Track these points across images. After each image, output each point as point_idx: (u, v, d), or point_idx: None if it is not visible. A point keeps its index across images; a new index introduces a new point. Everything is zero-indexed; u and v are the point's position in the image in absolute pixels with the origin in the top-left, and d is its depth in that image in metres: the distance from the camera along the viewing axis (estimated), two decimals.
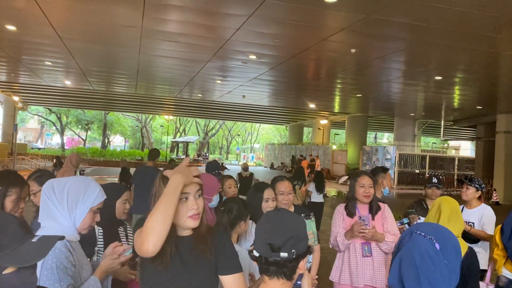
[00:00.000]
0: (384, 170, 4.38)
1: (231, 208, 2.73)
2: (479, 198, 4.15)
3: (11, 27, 10.17)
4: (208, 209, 2.99)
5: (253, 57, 11.79)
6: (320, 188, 8.09)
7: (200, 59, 12.61)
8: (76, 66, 15.13)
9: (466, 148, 36.92)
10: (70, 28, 10.10)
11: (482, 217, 4.00)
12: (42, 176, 2.94)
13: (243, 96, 20.41)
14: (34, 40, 11.67)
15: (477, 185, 4.08)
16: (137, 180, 6.10)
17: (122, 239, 2.59)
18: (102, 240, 2.48)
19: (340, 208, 3.38)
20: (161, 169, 1.81)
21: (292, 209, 3.26)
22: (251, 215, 2.98)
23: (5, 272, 1.09)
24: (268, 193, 3.03)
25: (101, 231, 2.51)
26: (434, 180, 4.35)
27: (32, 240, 1.15)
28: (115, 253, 2.02)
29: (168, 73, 15.84)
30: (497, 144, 19.50)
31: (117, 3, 8.03)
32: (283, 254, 1.32)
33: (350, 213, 3.31)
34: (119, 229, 2.67)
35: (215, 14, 8.42)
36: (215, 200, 3.08)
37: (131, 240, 2.50)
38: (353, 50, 10.23)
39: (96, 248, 2.46)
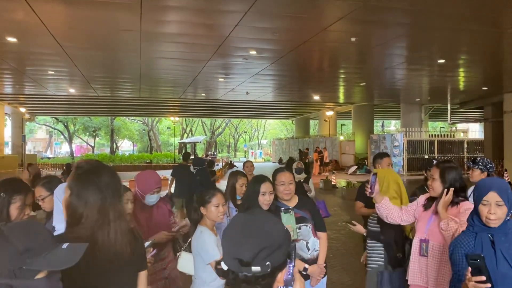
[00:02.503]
0: (381, 155, 4.43)
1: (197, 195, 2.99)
2: None
3: (12, 39, 10.28)
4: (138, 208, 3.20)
5: (253, 52, 11.78)
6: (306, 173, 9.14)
7: (201, 58, 12.63)
8: (79, 74, 15.23)
9: (474, 130, 36.58)
10: (70, 36, 10.17)
11: None
12: (50, 182, 2.98)
13: (247, 92, 20.41)
14: (36, 50, 11.77)
15: (481, 167, 4.06)
16: (176, 173, 8.62)
17: None
18: None
19: (421, 198, 3.22)
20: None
21: (295, 199, 3.29)
22: (248, 208, 3.01)
23: (37, 277, 1.14)
24: (265, 187, 3.03)
25: None
26: (435, 162, 4.37)
27: (62, 247, 1.21)
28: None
29: (170, 74, 15.89)
30: (505, 124, 19.31)
31: (114, 8, 8.06)
32: (255, 269, 1.11)
33: (426, 205, 3.11)
34: None
35: (212, 12, 8.43)
36: (147, 199, 3.19)
37: None
38: (353, 39, 10.18)
39: None
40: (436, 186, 3.01)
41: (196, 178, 8.42)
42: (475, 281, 1.84)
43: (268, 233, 1.15)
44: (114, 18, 8.77)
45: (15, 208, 2.31)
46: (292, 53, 11.76)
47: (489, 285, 1.82)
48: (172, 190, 9.01)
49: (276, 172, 3.32)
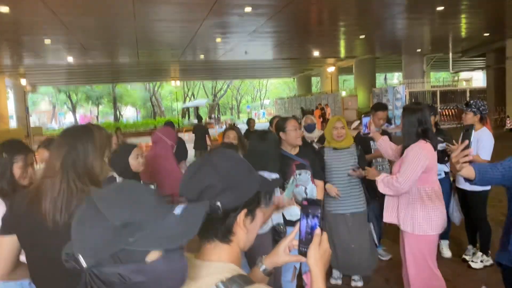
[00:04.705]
0: (378, 107, 4.54)
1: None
2: (481, 121, 4.19)
3: (3, 8, 10.16)
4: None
5: (248, 9, 11.58)
6: None
7: (196, 18, 12.45)
8: (75, 41, 15.11)
9: (478, 79, 36.15)
10: (62, 2, 10.04)
11: (478, 142, 4.03)
12: (51, 143, 3.11)
13: (245, 52, 20.17)
14: (29, 19, 11.65)
15: (474, 109, 4.11)
16: (196, 131, 10.64)
17: None
18: None
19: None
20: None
21: (297, 148, 3.50)
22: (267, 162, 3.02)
23: (149, 259, 0.85)
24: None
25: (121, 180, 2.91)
26: None
27: (175, 212, 0.89)
28: None
29: (166, 36, 15.70)
30: (507, 70, 19.11)
31: None
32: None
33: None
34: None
35: None
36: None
37: None
38: None
39: None
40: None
41: None
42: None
43: (215, 170, 1.06)
44: None
45: (18, 168, 2.43)
46: (288, 8, 11.55)
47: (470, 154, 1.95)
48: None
49: (284, 120, 3.50)
